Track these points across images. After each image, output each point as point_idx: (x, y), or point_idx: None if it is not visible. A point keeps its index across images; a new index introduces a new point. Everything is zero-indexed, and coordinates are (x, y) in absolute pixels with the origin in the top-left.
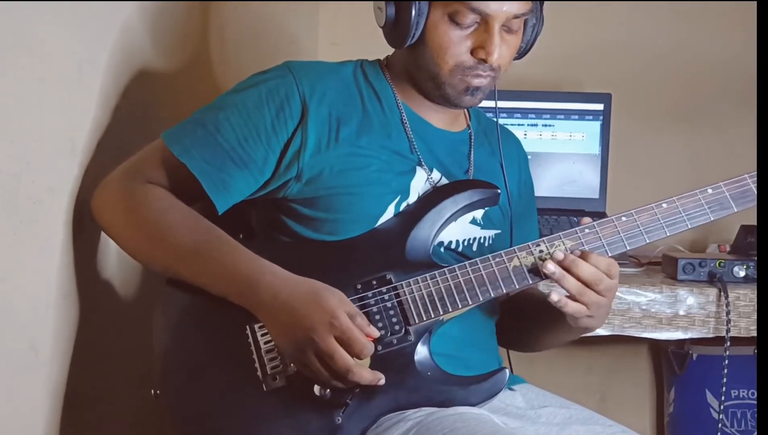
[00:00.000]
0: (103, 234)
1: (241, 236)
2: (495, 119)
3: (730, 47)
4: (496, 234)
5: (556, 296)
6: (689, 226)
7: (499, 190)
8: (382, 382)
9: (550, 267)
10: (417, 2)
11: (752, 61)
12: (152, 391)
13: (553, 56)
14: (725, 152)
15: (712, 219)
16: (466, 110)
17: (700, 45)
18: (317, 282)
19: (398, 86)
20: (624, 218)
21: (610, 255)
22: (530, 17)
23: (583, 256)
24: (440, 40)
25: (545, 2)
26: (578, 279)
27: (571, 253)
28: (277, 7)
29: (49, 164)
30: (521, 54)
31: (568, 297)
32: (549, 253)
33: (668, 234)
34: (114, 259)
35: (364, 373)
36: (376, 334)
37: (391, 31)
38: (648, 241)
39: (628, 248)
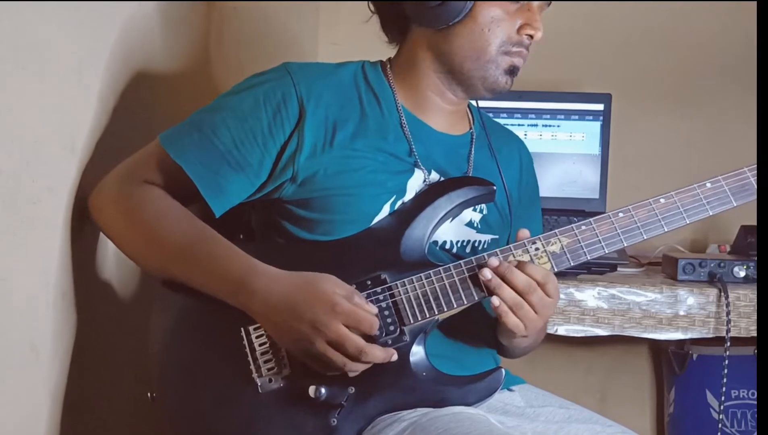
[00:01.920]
0: (102, 234)
1: (240, 237)
2: (498, 120)
3: (731, 48)
4: (492, 238)
5: (497, 301)
6: (687, 222)
7: (494, 187)
8: (395, 357)
9: (487, 274)
10: None
11: (753, 61)
12: (148, 394)
13: (553, 56)
14: (727, 152)
15: (711, 214)
16: (469, 112)
17: (700, 45)
18: (306, 273)
19: (400, 88)
20: (621, 214)
21: (606, 252)
22: None
23: (519, 265)
24: (494, 13)
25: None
26: (512, 287)
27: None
28: (277, 7)
29: (49, 164)
30: None
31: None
32: (545, 250)
33: (666, 230)
34: (113, 259)
35: (377, 352)
36: (375, 310)
37: (437, 8)
38: (645, 238)
39: (626, 244)
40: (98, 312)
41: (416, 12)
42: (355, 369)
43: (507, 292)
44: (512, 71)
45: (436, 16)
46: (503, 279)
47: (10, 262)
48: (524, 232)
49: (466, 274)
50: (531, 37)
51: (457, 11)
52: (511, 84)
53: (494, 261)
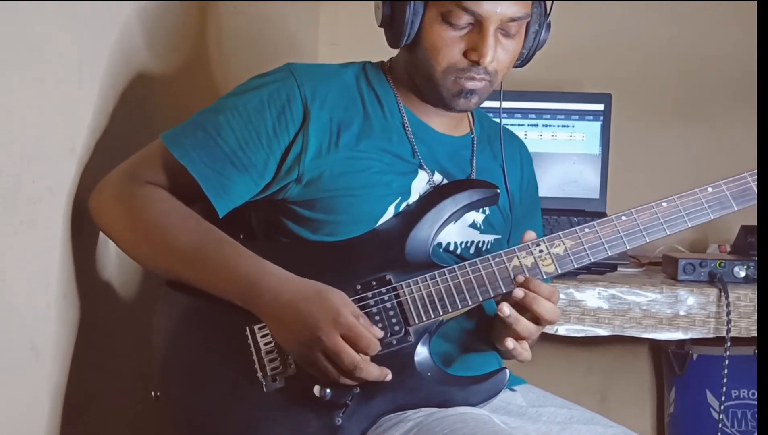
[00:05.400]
0: (102, 234)
1: (241, 237)
2: (498, 121)
3: (730, 47)
4: (495, 239)
5: (507, 310)
6: (689, 225)
7: (498, 190)
8: (389, 377)
9: (506, 310)
10: (412, 2)
11: (752, 61)
12: (152, 393)
13: (553, 56)
14: (726, 152)
15: (712, 218)
16: (469, 114)
17: (700, 45)
18: (319, 282)
19: (400, 89)
20: (624, 217)
21: (609, 254)
22: (532, 23)
23: (527, 282)
24: (434, 40)
25: (552, 7)
26: (535, 314)
27: (515, 277)
28: (276, 7)
29: (49, 164)
30: (523, 61)
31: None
32: (549, 252)
33: (668, 233)
34: (114, 260)
35: (372, 369)
36: (380, 334)
37: (387, 30)
38: (648, 241)
39: (628, 247)
40: (99, 312)
41: (384, 30)
42: (347, 383)
43: (524, 325)
44: (466, 94)
45: (390, 37)
46: (529, 307)
47: (11, 263)
48: (530, 235)
49: (471, 276)
50: (478, 63)
51: (400, 36)
52: (475, 103)
53: (519, 293)
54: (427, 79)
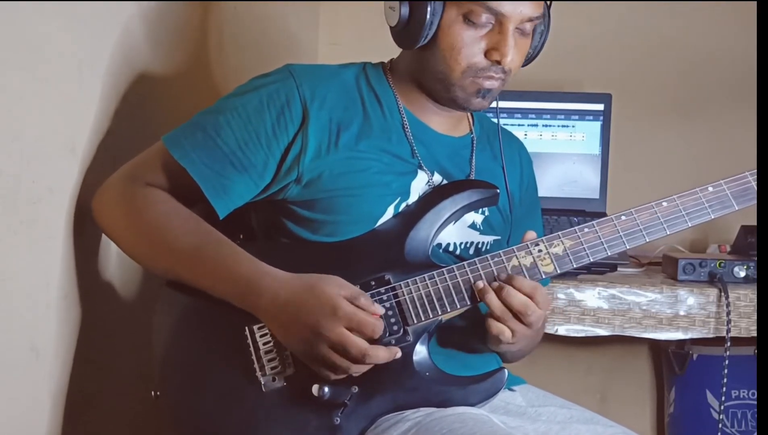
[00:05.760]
0: (103, 235)
1: (241, 237)
2: (496, 120)
3: (730, 46)
4: (494, 240)
5: (480, 284)
6: (689, 225)
7: (498, 190)
8: (399, 355)
9: (479, 284)
10: (432, 2)
11: (752, 60)
12: (152, 392)
13: (553, 56)
14: (727, 152)
15: (712, 217)
16: (469, 115)
17: (700, 45)
18: (311, 275)
19: (400, 90)
20: (624, 217)
21: (609, 254)
22: (540, 23)
23: (509, 279)
24: (453, 40)
25: (551, 6)
26: (508, 307)
27: (498, 277)
28: (277, 7)
29: (49, 164)
30: (527, 61)
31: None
32: (548, 252)
33: (668, 233)
34: (114, 260)
35: (380, 353)
36: (381, 310)
37: (402, 31)
38: (648, 240)
39: (628, 247)
40: (99, 312)
41: (391, 31)
42: (359, 371)
43: (494, 299)
44: (483, 94)
45: (402, 39)
46: (500, 299)
47: (11, 263)
48: (530, 235)
49: (470, 276)
50: (499, 62)
51: (418, 36)
52: (489, 102)
53: (493, 284)
54: (442, 81)
